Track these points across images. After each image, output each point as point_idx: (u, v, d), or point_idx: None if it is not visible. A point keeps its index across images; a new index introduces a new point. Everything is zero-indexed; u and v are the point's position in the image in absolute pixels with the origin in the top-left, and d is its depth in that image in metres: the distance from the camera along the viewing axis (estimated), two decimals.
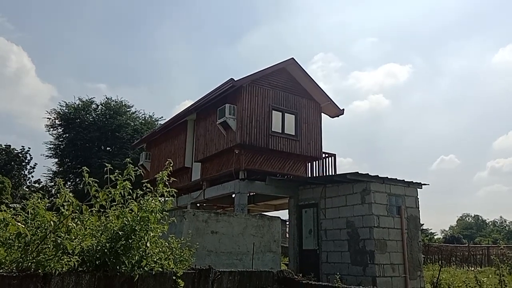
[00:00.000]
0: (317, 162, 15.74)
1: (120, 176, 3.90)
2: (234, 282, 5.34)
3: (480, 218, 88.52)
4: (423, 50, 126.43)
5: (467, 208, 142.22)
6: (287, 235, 18.48)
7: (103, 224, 4.09)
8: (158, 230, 4.35)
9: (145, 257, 4.12)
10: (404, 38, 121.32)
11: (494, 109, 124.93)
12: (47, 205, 3.93)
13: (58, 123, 31.48)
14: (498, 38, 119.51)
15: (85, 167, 3.92)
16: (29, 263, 3.49)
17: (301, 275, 10.08)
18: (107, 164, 3.85)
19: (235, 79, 13.65)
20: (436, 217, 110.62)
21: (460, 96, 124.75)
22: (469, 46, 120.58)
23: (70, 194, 3.75)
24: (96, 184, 3.75)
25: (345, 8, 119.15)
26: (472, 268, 24.99)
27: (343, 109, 16.26)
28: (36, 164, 31.04)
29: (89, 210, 3.95)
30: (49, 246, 3.60)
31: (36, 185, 31.27)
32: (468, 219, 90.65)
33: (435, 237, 56.94)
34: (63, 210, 3.73)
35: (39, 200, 3.79)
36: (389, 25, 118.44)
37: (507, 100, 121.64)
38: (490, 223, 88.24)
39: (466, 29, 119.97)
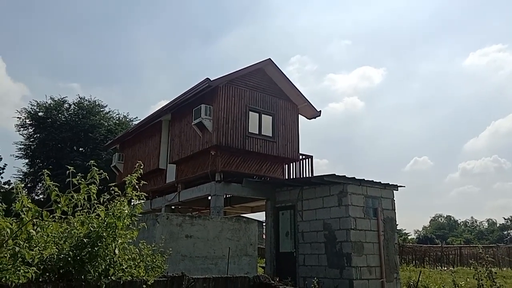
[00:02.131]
0: (294, 163, 15.64)
1: (83, 179, 3.62)
2: None
3: (452, 219, 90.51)
4: (396, 53, 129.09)
5: (439, 208, 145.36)
6: (264, 237, 18.35)
7: (66, 231, 3.82)
8: (128, 236, 4.11)
9: (112, 266, 3.88)
10: (377, 41, 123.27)
11: (465, 111, 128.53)
12: (7, 209, 3.63)
13: (29, 122, 30.50)
14: (468, 43, 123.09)
15: (46, 170, 3.63)
16: None
17: (278, 279, 9.95)
18: (69, 167, 3.57)
19: (211, 79, 13.42)
20: (410, 218, 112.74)
21: (432, 99, 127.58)
22: (441, 50, 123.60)
23: (29, 199, 3.46)
24: (57, 189, 3.47)
25: (319, 11, 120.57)
26: (445, 268, 25.39)
27: (320, 111, 16.22)
28: (6, 164, 29.86)
29: (51, 216, 3.66)
30: (6, 255, 3.31)
31: (6, 186, 30.19)
32: (441, 219, 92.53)
33: (409, 237, 57.93)
34: (23, 216, 3.45)
35: None
36: (363, 28, 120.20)
37: (477, 103, 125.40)
38: (462, 223, 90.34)
39: (438, 33, 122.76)
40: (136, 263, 4.37)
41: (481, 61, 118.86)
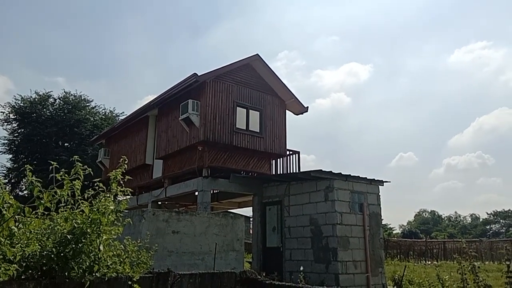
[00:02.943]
0: (281, 159, 15.67)
1: (66, 175, 3.57)
2: (195, 285, 5.11)
3: (436, 214, 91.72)
4: (383, 49, 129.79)
5: (424, 203, 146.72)
6: (251, 232, 18.36)
7: (49, 227, 3.77)
8: (113, 232, 4.07)
9: (97, 262, 3.83)
10: (364, 37, 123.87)
11: (450, 108, 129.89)
12: None
13: (13, 117, 29.99)
14: (454, 40, 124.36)
15: (28, 166, 3.57)
16: None
17: (264, 274, 9.99)
18: (52, 162, 3.51)
19: (199, 74, 13.35)
20: (395, 213, 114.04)
21: (417, 95, 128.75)
22: (427, 46, 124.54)
23: (10, 195, 3.40)
24: (39, 184, 3.41)
25: (308, 6, 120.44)
26: (429, 262, 25.78)
27: (307, 107, 16.26)
28: None
29: (34, 212, 3.60)
30: None
31: None
32: (425, 214, 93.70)
33: (394, 232, 58.54)
34: (4, 212, 3.38)
35: None
36: (350, 24, 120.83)
37: (462, 99, 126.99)
38: (446, 218, 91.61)
39: (424, 29, 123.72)
40: (121, 260, 4.32)
41: (466, 57, 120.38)
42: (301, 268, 10.65)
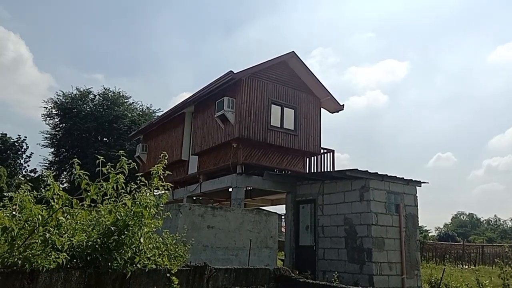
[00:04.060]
0: (315, 157, 15.58)
1: (112, 169, 3.70)
2: (230, 280, 5.19)
3: (474, 217, 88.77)
4: (420, 46, 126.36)
5: (461, 206, 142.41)
6: (283, 230, 18.37)
7: (94, 219, 3.92)
8: (153, 225, 4.19)
9: (138, 254, 3.96)
10: (400, 33, 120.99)
11: (490, 107, 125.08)
12: (37, 197, 3.74)
13: (55, 112, 31.19)
14: (496, 35, 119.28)
15: (76, 159, 3.72)
16: (15, 259, 3.31)
17: (297, 272, 9.98)
18: (99, 156, 3.65)
19: (234, 72, 13.44)
20: (431, 214, 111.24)
21: (456, 94, 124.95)
22: (466, 42, 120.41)
23: (59, 187, 3.56)
24: (87, 177, 3.56)
25: (340, 2, 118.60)
26: (466, 267, 25.00)
27: (343, 105, 16.08)
28: (33, 153, 30.73)
29: (80, 204, 3.76)
30: (37, 241, 3.42)
31: (32, 174, 31.03)
32: (463, 217, 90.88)
33: (430, 234, 57.12)
34: (53, 203, 3.54)
35: (27, 193, 3.59)
36: (386, 20, 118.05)
37: (503, 98, 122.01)
38: (485, 221, 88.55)
39: (463, 25, 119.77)
40: (160, 252, 4.44)
41: (508, 55, 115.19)
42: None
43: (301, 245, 13.61)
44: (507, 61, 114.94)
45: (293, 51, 14.93)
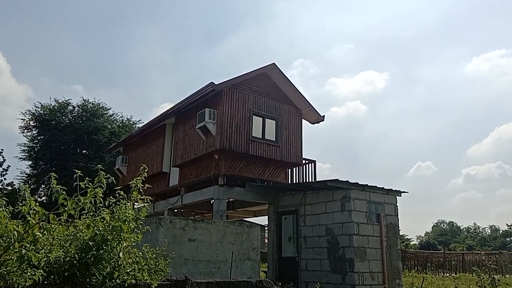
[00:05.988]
0: (297, 168, 15.64)
1: (90, 183, 3.65)
2: None
3: (454, 225, 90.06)
4: (399, 57, 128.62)
5: (442, 214, 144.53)
6: (266, 241, 18.30)
7: (72, 234, 3.84)
8: (132, 240, 4.13)
9: (117, 269, 3.90)
10: (380, 45, 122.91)
11: (468, 116, 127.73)
12: (13, 211, 3.65)
13: (33, 124, 30.57)
14: (471, 47, 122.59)
15: (53, 173, 3.66)
16: None
17: (280, 283, 9.96)
18: (77, 171, 3.59)
19: (216, 83, 13.47)
20: (412, 223, 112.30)
21: (435, 104, 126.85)
22: (444, 54, 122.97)
23: (36, 201, 3.49)
24: (64, 192, 3.50)
25: (321, 14, 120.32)
26: (447, 275, 25.29)
27: (324, 116, 16.24)
28: (10, 166, 29.97)
29: (57, 219, 3.69)
30: (13, 258, 3.34)
31: (9, 188, 30.29)
32: (443, 225, 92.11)
33: (411, 243, 57.65)
34: (29, 218, 3.47)
35: (2, 208, 3.51)
36: (365, 32, 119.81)
37: (480, 108, 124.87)
38: (464, 229, 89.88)
39: (440, 37, 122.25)
40: (140, 267, 4.38)
41: (484, 66, 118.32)
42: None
43: (284, 256, 13.58)
44: (483, 72, 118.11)
45: (274, 63, 15.06)
